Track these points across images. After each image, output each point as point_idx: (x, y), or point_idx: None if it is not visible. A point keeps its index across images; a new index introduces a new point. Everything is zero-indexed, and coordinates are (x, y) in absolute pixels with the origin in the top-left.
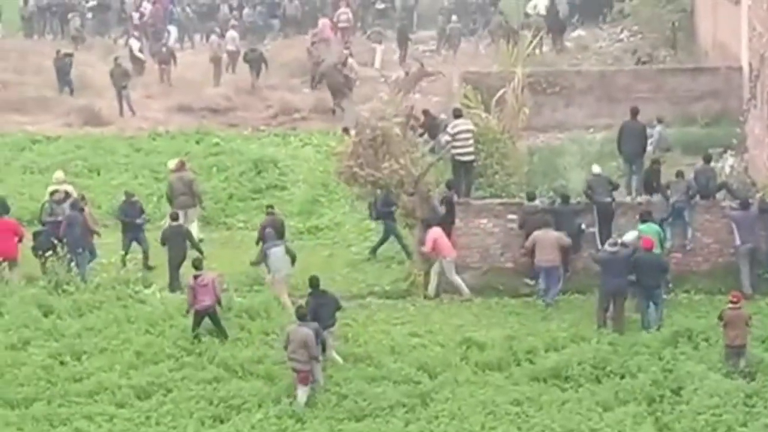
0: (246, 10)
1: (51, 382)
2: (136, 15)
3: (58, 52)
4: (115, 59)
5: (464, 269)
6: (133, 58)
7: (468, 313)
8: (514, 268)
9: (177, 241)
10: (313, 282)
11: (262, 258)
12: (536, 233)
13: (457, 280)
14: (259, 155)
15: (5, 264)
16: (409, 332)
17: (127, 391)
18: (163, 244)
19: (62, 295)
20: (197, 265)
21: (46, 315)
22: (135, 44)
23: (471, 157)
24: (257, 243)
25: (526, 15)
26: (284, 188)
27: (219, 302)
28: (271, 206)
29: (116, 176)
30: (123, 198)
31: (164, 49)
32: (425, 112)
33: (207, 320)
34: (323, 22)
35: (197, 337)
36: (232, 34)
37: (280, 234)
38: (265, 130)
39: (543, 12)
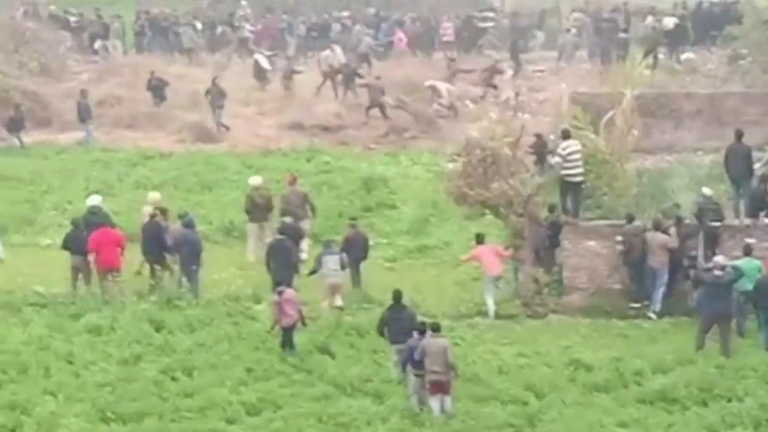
0: (357, 28)
1: (162, 397)
2: (247, 27)
3: (152, 73)
4: (214, 79)
5: (572, 290)
6: (258, 72)
7: (575, 334)
8: (622, 290)
9: (282, 255)
10: (395, 295)
11: (318, 266)
12: (646, 234)
13: (489, 301)
14: (369, 174)
15: (110, 275)
16: (517, 353)
17: (237, 407)
18: (268, 259)
19: (174, 311)
20: (278, 283)
21: (158, 330)
22: (262, 58)
23: (580, 179)
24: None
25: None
26: (393, 207)
27: (302, 318)
28: (354, 219)
29: (228, 192)
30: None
31: (286, 61)
32: (537, 136)
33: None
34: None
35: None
36: (338, 51)
37: (363, 249)
38: (376, 148)
39: (671, 26)
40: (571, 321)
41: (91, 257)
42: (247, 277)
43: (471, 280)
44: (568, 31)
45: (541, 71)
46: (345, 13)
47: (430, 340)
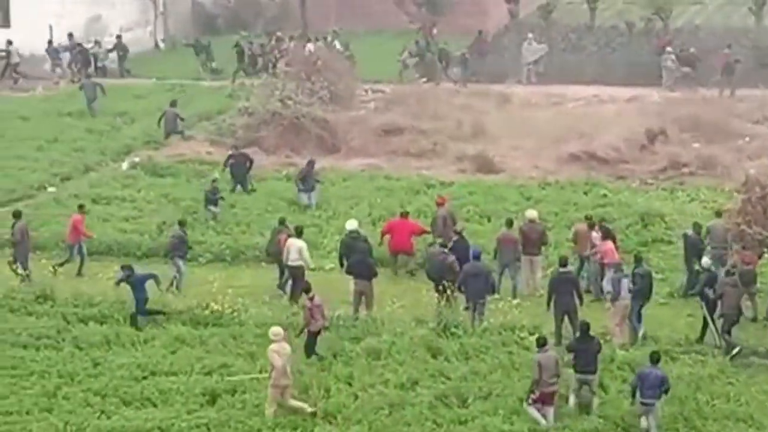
0: None
1: (437, 423)
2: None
3: (234, 147)
4: None
5: None
6: None
7: None
8: None
9: (566, 287)
10: (583, 327)
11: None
12: None
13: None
14: (646, 208)
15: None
16: None
17: None
18: (550, 292)
19: (450, 338)
20: (307, 288)
21: (434, 356)
22: None
23: None
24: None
25: None
26: (670, 242)
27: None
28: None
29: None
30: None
31: None
32: None
33: None
34: None
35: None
36: None
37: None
38: (653, 183)
39: None
40: None
41: None
42: (522, 307)
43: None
44: None
45: None
46: None
47: (542, 355)
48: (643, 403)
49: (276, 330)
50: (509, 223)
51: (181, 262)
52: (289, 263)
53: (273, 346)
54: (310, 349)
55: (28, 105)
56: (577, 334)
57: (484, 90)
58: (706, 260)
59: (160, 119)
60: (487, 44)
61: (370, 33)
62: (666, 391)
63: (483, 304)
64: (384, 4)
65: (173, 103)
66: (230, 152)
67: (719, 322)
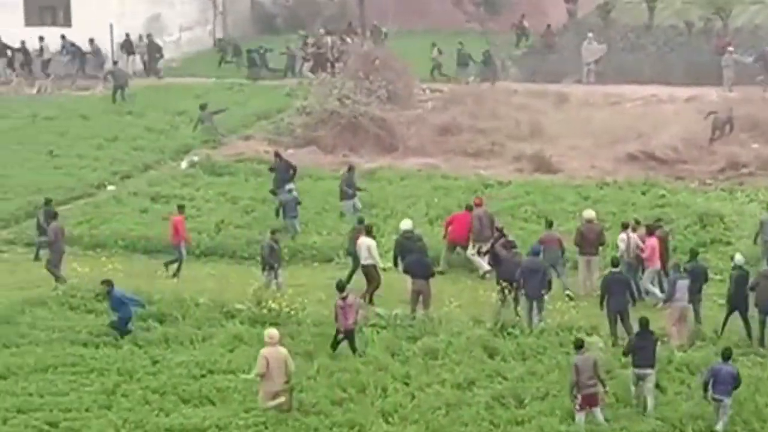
0: None
1: (493, 423)
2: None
3: (277, 154)
4: None
5: None
6: None
7: None
8: None
9: (619, 288)
10: (642, 322)
11: (672, 290)
12: None
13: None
14: (705, 209)
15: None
16: None
17: None
18: (603, 292)
19: (507, 338)
20: (341, 287)
21: (491, 357)
22: None
23: None
24: None
25: None
26: (728, 243)
27: (356, 323)
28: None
29: (563, 223)
30: None
31: None
32: None
33: None
34: None
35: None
36: None
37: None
38: (712, 184)
39: None
40: None
41: None
42: (579, 308)
43: None
44: None
45: None
46: None
47: (580, 357)
48: (714, 399)
49: (272, 333)
50: (549, 224)
51: (278, 271)
52: (362, 262)
53: (264, 351)
54: (334, 346)
55: (89, 104)
56: (632, 334)
57: (542, 90)
58: (739, 257)
59: (195, 125)
60: (554, 38)
61: (428, 32)
62: (736, 387)
63: (541, 301)
64: (442, 3)
65: (203, 107)
66: (274, 158)
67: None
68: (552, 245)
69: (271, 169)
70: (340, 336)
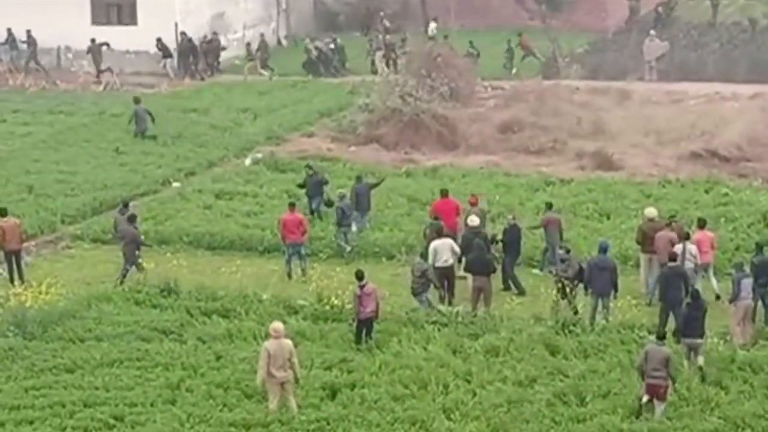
0: None
1: (555, 421)
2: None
3: (309, 167)
4: None
5: None
6: None
7: None
8: None
9: (675, 282)
10: (693, 294)
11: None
12: None
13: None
14: None
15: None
16: None
17: None
18: (662, 286)
19: (569, 336)
20: (360, 276)
21: (552, 354)
22: None
23: None
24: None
25: None
26: None
27: (377, 311)
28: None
29: (625, 221)
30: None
31: None
32: None
33: None
34: None
35: (360, 344)
36: None
37: None
38: None
39: None
40: None
41: None
42: (641, 306)
43: None
44: None
45: None
46: None
47: (652, 346)
48: None
49: (276, 326)
50: (550, 206)
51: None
52: (437, 264)
53: (267, 343)
54: (357, 336)
55: (154, 101)
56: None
57: (604, 87)
58: None
59: (130, 120)
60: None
61: (491, 30)
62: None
63: (609, 298)
64: (503, 1)
65: (137, 100)
66: (306, 172)
67: None
68: (552, 227)
69: (301, 186)
70: (359, 325)
